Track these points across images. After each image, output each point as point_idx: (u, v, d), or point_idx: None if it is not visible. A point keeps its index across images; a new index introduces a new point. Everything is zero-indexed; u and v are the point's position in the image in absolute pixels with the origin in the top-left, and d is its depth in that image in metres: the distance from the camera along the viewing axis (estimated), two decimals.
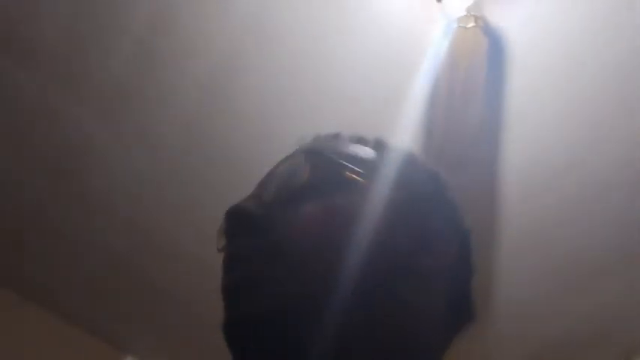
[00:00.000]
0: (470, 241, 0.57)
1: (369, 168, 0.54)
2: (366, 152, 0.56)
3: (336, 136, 0.60)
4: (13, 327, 1.80)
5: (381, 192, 0.53)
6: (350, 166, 0.53)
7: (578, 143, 1.41)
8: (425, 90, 1.32)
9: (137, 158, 1.64)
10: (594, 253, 1.63)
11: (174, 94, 1.49)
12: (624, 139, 1.39)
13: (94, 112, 1.55)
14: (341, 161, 0.53)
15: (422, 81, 1.29)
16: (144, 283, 1.86)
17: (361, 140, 0.59)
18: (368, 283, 0.46)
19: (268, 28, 1.33)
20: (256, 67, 1.40)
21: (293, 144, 0.60)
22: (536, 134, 1.40)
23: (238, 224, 0.51)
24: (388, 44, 1.29)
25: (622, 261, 1.64)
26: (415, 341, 0.48)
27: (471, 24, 1.21)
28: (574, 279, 1.71)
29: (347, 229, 0.48)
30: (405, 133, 1.37)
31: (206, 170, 1.63)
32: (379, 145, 0.58)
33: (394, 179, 0.55)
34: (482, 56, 1.25)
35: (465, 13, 1.21)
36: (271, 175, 0.56)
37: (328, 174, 0.53)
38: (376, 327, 0.46)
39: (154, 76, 1.47)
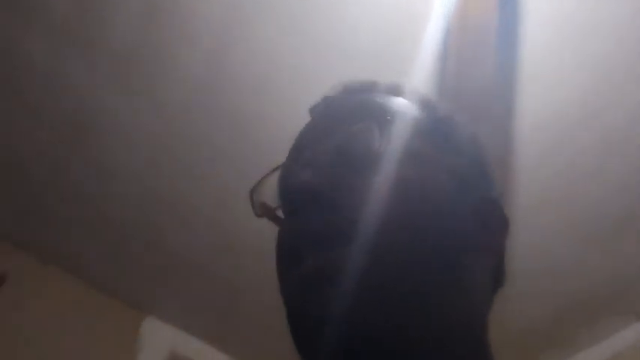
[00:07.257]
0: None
1: (436, 136, 0.50)
2: (423, 114, 0.52)
3: (373, 86, 0.55)
4: (34, 290, 1.83)
5: (445, 160, 0.48)
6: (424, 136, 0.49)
7: (595, 95, 1.36)
8: (435, 45, 1.28)
9: (149, 122, 1.63)
10: (613, 209, 1.59)
11: (181, 56, 1.48)
12: None
13: (104, 75, 1.54)
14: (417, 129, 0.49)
15: (431, 36, 1.25)
16: (161, 247, 1.88)
17: (399, 91, 0.55)
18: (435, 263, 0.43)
19: None
20: (259, 28, 1.37)
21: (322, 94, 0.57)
22: (551, 87, 1.36)
23: (301, 199, 0.43)
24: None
25: None
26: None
27: None
28: (594, 235, 1.68)
29: (420, 205, 0.43)
30: (415, 89, 1.33)
31: (216, 134, 1.63)
32: (424, 102, 0.54)
33: (454, 146, 0.51)
34: (494, 8, 1.21)
35: None
36: (318, 136, 0.50)
37: (401, 142, 0.47)
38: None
39: (160, 38, 1.45)
